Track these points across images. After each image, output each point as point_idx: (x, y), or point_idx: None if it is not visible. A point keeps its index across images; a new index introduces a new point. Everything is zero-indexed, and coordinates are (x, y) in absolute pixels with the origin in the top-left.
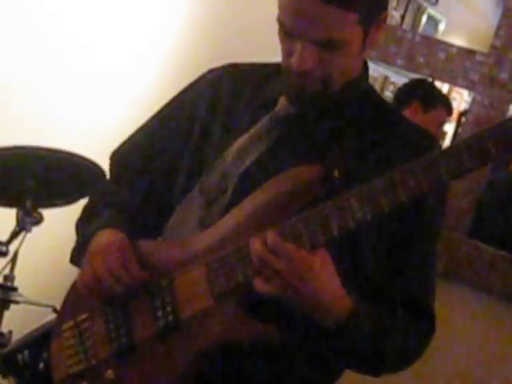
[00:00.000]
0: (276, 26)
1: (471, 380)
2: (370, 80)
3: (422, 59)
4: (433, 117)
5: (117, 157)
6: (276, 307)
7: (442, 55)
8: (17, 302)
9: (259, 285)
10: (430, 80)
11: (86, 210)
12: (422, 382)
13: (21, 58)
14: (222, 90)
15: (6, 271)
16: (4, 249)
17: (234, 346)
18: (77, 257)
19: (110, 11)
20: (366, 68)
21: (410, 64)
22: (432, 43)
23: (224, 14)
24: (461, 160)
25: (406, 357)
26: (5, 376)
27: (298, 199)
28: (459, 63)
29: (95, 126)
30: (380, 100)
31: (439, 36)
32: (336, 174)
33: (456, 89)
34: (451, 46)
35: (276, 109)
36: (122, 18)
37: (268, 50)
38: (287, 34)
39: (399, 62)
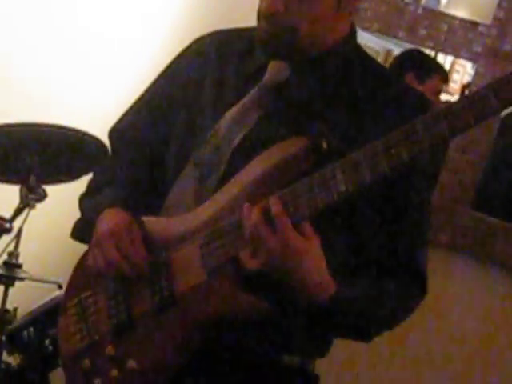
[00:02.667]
0: None
1: (474, 350)
2: (372, 54)
3: (424, 31)
4: (429, 86)
5: (115, 133)
6: (268, 280)
7: (444, 27)
8: (21, 279)
9: (246, 259)
10: (433, 52)
11: (89, 186)
12: (426, 354)
13: (23, 31)
14: (210, 59)
15: (11, 248)
16: (8, 225)
17: (229, 319)
18: (79, 232)
19: None
20: (353, 31)
21: (412, 36)
22: (434, 15)
23: None
24: (464, 117)
25: (395, 320)
26: (11, 353)
27: (288, 172)
28: (462, 35)
29: (97, 101)
30: (370, 60)
31: (442, 8)
32: (324, 145)
33: (459, 61)
34: (454, 17)
35: (264, 78)
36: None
37: None
38: None
39: (401, 34)
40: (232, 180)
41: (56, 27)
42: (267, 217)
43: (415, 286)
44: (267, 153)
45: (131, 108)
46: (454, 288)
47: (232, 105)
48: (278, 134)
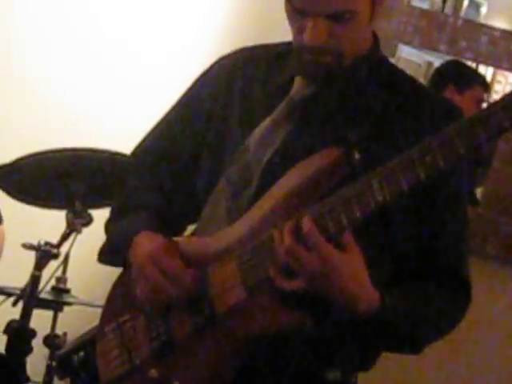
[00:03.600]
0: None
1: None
2: (415, 67)
3: (464, 43)
4: (470, 96)
5: (139, 154)
6: (308, 298)
7: (484, 39)
8: (70, 304)
9: (281, 282)
10: (474, 64)
11: (114, 211)
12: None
13: (62, 58)
14: (236, 77)
15: (59, 273)
16: (55, 251)
17: (271, 335)
18: (106, 256)
19: (151, 14)
20: (376, 40)
21: (453, 49)
22: (474, 27)
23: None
24: (475, 134)
25: (446, 329)
26: (62, 378)
27: (322, 185)
28: (503, 46)
29: (137, 124)
30: (396, 71)
31: (482, 19)
32: (357, 155)
33: (500, 72)
34: (494, 29)
35: (292, 92)
36: (160, 20)
37: None
38: (298, 12)
39: (442, 47)
40: (265, 195)
41: (95, 53)
42: (300, 237)
43: (461, 294)
44: (300, 166)
45: (154, 130)
46: (501, 299)
47: (260, 121)
48: (309, 148)
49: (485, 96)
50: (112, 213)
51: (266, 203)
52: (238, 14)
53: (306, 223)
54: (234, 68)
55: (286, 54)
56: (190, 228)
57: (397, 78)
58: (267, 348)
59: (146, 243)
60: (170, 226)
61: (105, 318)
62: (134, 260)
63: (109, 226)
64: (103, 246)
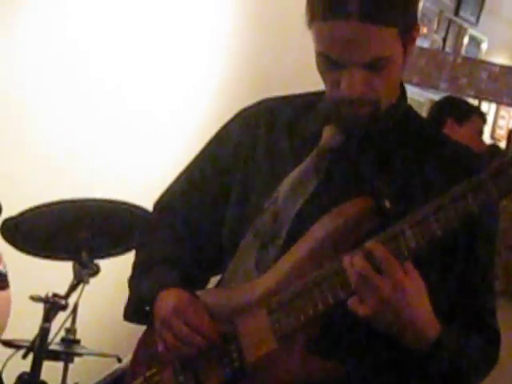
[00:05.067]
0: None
1: None
2: (417, 105)
3: (464, 80)
4: (469, 128)
5: (160, 206)
6: (342, 342)
7: (484, 75)
8: (80, 355)
9: (355, 306)
10: (476, 101)
11: (136, 266)
12: None
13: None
14: (259, 129)
15: (67, 324)
16: (63, 302)
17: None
18: (133, 314)
19: (151, 68)
20: (403, 89)
21: (453, 86)
22: (474, 64)
23: (262, 57)
24: (509, 179)
25: (479, 379)
26: None
27: (353, 233)
28: (503, 81)
29: (144, 172)
30: (421, 121)
31: (483, 56)
32: (387, 204)
33: (503, 107)
34: (493, 64)
35: (321, 143)
36: (161, 76)
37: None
38: (333, 64)
39: (442, 85)
40: (295, 246)
41: (100, 106)
42: (372, 262)
43: (491, 346)
44: (330, 215)
45: (177, 181)
46: (509, 335)
47: (288, 171)
48: (340, 198)
49: (483, 127)
50: (135, 268)
51: (295, 253)
52: (233, 71)
53: (379, 248)
54: (256, 119)
55: (313, 104)
56: (213, 280)
57: (422, 128)
58: None
59: (170, 297)
60: (193, 278)
61: (132, 373)
62: (157, 314)
63: (132, 282)
64: (128, 304)
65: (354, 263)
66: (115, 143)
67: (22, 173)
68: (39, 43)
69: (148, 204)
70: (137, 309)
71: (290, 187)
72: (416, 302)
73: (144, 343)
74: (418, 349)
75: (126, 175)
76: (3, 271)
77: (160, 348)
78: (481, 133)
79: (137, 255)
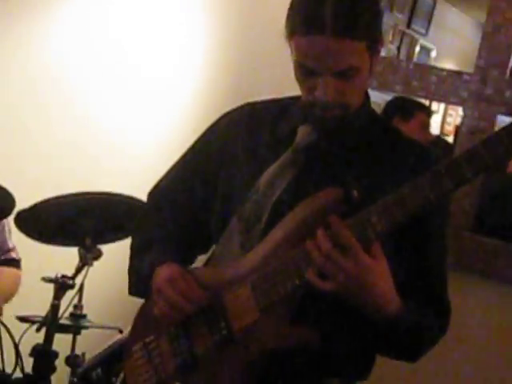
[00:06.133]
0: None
1: (483, 363)
2: (375, 107)
3: (416, 83)
4: (414, 123)
5: (155, 195)
6: (318, 314)
7: (433, 78)
8: (87, 328)
9: (318, 283)
10: (427, 101)
11: (134, 248)
12: (437, 367)
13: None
14: (242, 129)
15: (75, 301)
16: (71, 282)
17: (282, 350)
18: (137, 289)
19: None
20: (367, 95)
21: (406, 89)
22: (424, 69)
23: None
24: (462, 172)
25: (431, 347)
26: None
27: (324, 219)
28: (450, 84)
29: (136, 164)
30: (382, 121)
31: (432, 62)
32: (355, 193)
33: (451, 106)
34: (441, 69)
35: (296, 141)
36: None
37: (276, 85)
38: (309, 72)
39: (397, 88)
40: (274, 229)
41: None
42: (337, 243)
43: (443, 318)
44: (305, 203)
45: (169, 172)
46: (461, 303)
47: (268, 166)
48: (313, 188)
49: (429, 121)
50: (133, 249)
51: (275, 236)
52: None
53: (346, 232)
54: (241, 120)
55: (288, 107)
56: (200, 259)
57: (384, 127)
58: (276, 360)
59: (165, 270)
60: (183, 257)
61: (131, 340)
62: (154, 285)
63: (133, 261)
64: (132, 280)
65: (319, 245)
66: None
67: (34, 170)
68: (74, 40)
69: (143, 188)
70: (138, 284)
71: (270, 179)
72: (378, 279)
73: (142, 314)
74: (380, 320)
75: (122, 170)
76: (17, 258)
77: (155, 312)
78: (426, 126)
79: (134, 239)
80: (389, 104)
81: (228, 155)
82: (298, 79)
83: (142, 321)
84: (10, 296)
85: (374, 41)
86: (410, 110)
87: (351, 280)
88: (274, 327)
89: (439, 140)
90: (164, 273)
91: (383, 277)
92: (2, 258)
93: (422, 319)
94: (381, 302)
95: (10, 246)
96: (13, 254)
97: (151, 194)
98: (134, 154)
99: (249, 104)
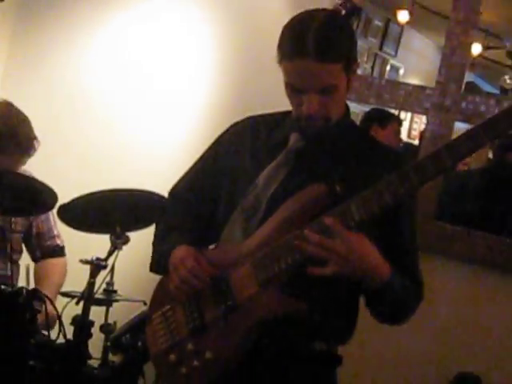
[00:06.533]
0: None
1: (445, 328)
2: (353, 116)
3: (387, 96)
4: (389, 130)
5: (175, 192)
6: (307, 287)
7: (402, 92)
8: (117, 301)
9: (318, 270)
10: (396, 111)
11: (157, 234)
12: (416, 337)
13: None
14: (245, 137)
15: (107, 279)
16: (104, 263)
17: (277, 318)
18: (156, 267)
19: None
20: (347, 108)
21: (379, 101)
22: (394, 84)
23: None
24: (426, 172)
25: (411, 313)
26: (114, 354)
27: (311, 210)
28: (415, 97)
29: (156, 169)
30: (360, 130)
31: (400, 78)
32: (338, 188)
33: (416, 115)
34: (408, 85)
35: (288, 146)
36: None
37: (275, 99)
38: (296, 91)
39: (372, 100)
40: (270, 218)
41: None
42: (324, 231)
43: (418, 290)
44: (295, 197)
45: (187, 173)
46: (428, 279)
47: (265, 166)
48: (302, 184)
49: (400, 129)
50: (156, 235)
51: (271, 224)
52: (224, 88)
53: (329, 219)
54: (244, 129)
55: (282, 119)
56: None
57: (361, 135)
58: (271, 327)
59: (180, 252)
60: (197, 243)
61: (151, 309)
62: (170, 264)
63: (155, 245)
64: (153, 260)
65: (308, 238)
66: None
67: (72, 171)
68: (103, 62)
69: (163, 185)
70: (158, 263)
71: (267, 177)
72: (366, 248)
73: (160, 287)
74: (375, 286)
75: (145, 170)
76: (61, 244)
77: (171, 286)
78: (398, 133)
79: (157, 227)
80: (368, 114)
81: (233, 157)
82: (288, 96)
83: (160, 293)
84: (61, 287)
85: (350, 62)
86: (386, 120)
87: (345, 257)
88: (270, 299)
89: (409, 145)
90: (178, 253)
91: (369, 246)
92: (48, 242)
93: (406, 283)
94: (375, 265)
95: (55, 232)
96: (57, 241)
97: (171, 193)
98: (156, 156)
99: (251, 117)
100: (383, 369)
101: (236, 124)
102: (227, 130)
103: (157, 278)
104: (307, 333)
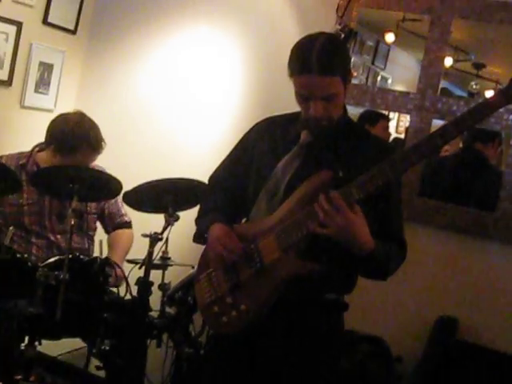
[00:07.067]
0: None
1: (424, 281)
2: (351, 116)
3: (379, 100)
4: (379, 128)
5: (213, 179)
6: (319, 252)
7: (390, 97)
8: (171, 265)
9: (321, 230)
10: (386, 111)
11: (199, 212)
12: (405, 289)
13: (164, 121)
14: (265, 134)
15: (163, 249)
16: (160, 236)
17: (296, 276)
18: (198, 238)
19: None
20: (345, 109)
21: (373, 104)
22: (385, 90)
23: (268, 93)
24: (410, 159)
25: (396, 269)
26: (170, 307)
27: (320, 191)
28: (401, 100)
29: (200, 159)
30: (357, 126)
31: (389, 87)
32: (340, 174)
33: (402, 115)
34: (395, 91)
35: (300, 141)
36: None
37: (289, 106)
38: (304, 98)
39: (366, 104)
40: (288, 199)
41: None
42: (332, 204)
43: (402, 250)
44: (307, 181)
45: (222, 163)
46: (412, 243)
47: (282, 157)
48: (312, 171)
49: (388, 126)
50: (199, 213)
51: (288, 203)
52: (250, 98)
53: (335, 195)
54: (265, 128)
55: (296, 118)
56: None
57: (358, 130)
58: (292, 282)
59: (216, 229)
60: (231, 219)
61: (199, 271)
62: (209, 238)
63: (198, 220)
64: (196, 232)
65: (321, 206)
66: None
67: (134, 164)
68: (156, 80)
69: (204, 174)
70: (199, 236)
71: (284, 166)
72: (359, 228)
73: (204, 255)
74: (362, 254)
75: (189, 163)
76: (128, 220)
77: (210, 257)
78: (386, 128)
79: (200, 207)
80: (361, 115)
81: (258, 150)
82: (298, 103)
83: (204, 260)
84: (128, 251)
85: (346, 75)
86: (376, 118)
87: (342, 229)
88: (289, 262)
89: (398, 140)
90: (215, 231)
91: (362, 226)
92: (118, 220)
93: (389, 249)
94: (362, 241)
95: (123, 211)
96: (125, 218)
97: (210, 179)
98: (197, 152)
99: (270, 117)
100: (379, 313)
101: (258, 123)
102: (252, 129)
103: (201, 247)
104: (320, 287)
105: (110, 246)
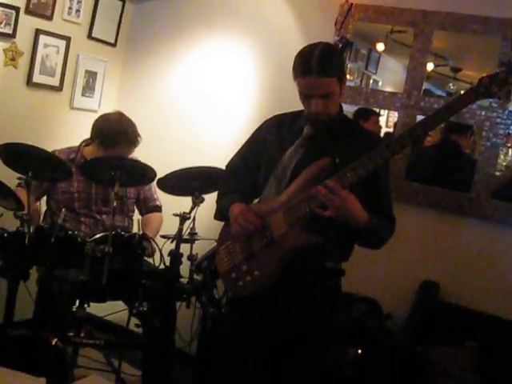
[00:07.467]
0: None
1: (409, 252)
2: (349, 113)
3: (372, 100)
4: (371, 123)
5: (230, 166)
6: (320, 226)
7: (381, 96)
8: (198, 239)
9: (321, 212)
10: (378, 109)
11: (219, 194)
12: (394, 259)
13: (193, 118)
14: (274, 128)
15: (191, 226)
16: (188, 216)
17: (301, 247)
18: (219, 216)
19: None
20: (341, 107)
21: (366, 103)
22: (376, 91)
23: (275, 94)
24: (395, 148)
25: (387, 240)
26: (197, 274)
27: (320, 176)
28: (390, 99)
29: (220, 151)
30: (351, 121)
31: (379, 88)
32: (337, 160)
33: (391, 111)
34: (385, 92)
35: (303, 134)
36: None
37: (294, 104)
38: (306, 97)
39: (361, 102)
40: (293, 182)
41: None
42: (329, 189)
43: (392, 224)
44: (310, 167)
45: (237, 153)
46: (400, 220)
47: (288, 148)
48: (313, 159)
49: (379, 121)
50: (218, 194)
51: (294, 186)
52: (262, 100)
53: (331, 181)
54: (274, 123)
55: (299, 115)
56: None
57: (352, 124)
58: (298, 252)
59: (237, 208)
60: (245, 200)
61: (219, 244)
62: (231, 216)
63: (218, 201)
64: (216, 211)
65: (319, 190)
66: (209, 133)
67: (165, 155)
68: (184, 84)
69: (223, 163)
70: (221, 214)
71: (290, 155)
72: (353, 204)
73: (223, 230)
74: (358, 227)
75: (211, 155)
76: (159, 204)
77: (232, 230)
78: (377, 123)
79: (219, 190)
80: (356, 111)
81: (267, 142)
82: (301, 101)
83: (224, 234)
84: (159, 231)
85: (341, 76)
86: (368, 115)
87: (339, 207)
88: (296, 235)
89: (389, 134)
90: (236, 209)
91: (356, 203)
92: (151, 204)
93: (382, 222)
94: (357, 215)
95: (155, 196)
96: (157, 202)
97: (227, 166)
98: (217, 145)
99: (277, 115)
100: (373, 278)
101: (267, 120)
102: (262, 125)
103: (221, 223)
104: (321, 256)
105: (144, 226)
